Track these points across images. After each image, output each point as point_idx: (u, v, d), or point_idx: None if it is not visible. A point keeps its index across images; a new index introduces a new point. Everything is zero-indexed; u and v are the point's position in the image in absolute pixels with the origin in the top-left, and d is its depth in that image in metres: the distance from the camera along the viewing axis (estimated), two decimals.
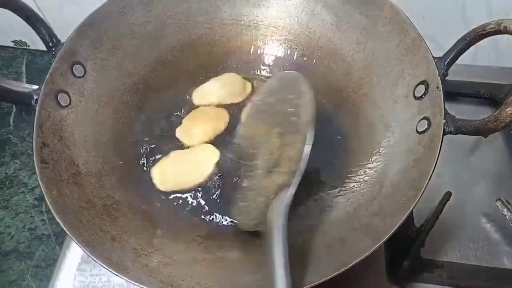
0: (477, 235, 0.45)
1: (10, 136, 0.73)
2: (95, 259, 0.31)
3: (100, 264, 0.30)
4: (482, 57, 0.60)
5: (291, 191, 0.33)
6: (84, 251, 0.31)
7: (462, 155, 0.51)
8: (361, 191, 0.38)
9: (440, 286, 0.42)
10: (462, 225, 0.46)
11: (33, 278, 0.62)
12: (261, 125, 0.39)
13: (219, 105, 0.46)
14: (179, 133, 0.44)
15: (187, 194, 0.41)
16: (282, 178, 0.35)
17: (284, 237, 0.31)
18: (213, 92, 0.47)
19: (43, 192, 0.33)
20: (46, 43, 0.39)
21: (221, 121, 0.45)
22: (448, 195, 0.44)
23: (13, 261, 0.63)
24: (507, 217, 0.44)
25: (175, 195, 0.41)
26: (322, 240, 0.36)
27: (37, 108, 0.36)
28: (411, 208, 0.32)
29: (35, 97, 0.37)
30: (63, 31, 0.41)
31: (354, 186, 0.39)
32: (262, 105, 0.40)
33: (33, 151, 0.35)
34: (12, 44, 0.80)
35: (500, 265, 0.44)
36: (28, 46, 0.80)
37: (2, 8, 0.37)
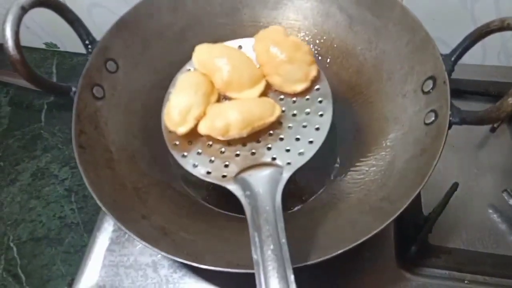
0: (483, 225, 0.47)
1: (42, 131, 0.79)
2: (128, 232, 0.34)
3: (133, 237, 0.34)
4: (492, 57, 0.62)
5: (288, 174, 0.35)
6: (118, 226, 0.34)
7: (470, 149, 0.52)
8: (372, 178, 0.41)
9: (447, 270, 0.43)
10: (469, 215, 0.48)
11: (62, 263, 0.66)
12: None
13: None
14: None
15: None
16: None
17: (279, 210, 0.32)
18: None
19: (82, 173, 0.37)
20: (83, 41, 0.43)
21: None
22: (455, 185, 0.46)
23: (44, 247, 0.68)
24: None
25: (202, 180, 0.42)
26: (333, 223, 0.39)
27: (75, 99, 0.40)
28: (418, 191, 0.34)
29: (73, 89, 0.41)
30: (92, 32, 0.44)
31: (365, 174, 0.42)
32: None
33: (72, 137, 0.38)
34: (43, 46, 0.85)
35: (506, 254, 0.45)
36: (58, 48, 0.85)
37: (37, 10, 0.39)
